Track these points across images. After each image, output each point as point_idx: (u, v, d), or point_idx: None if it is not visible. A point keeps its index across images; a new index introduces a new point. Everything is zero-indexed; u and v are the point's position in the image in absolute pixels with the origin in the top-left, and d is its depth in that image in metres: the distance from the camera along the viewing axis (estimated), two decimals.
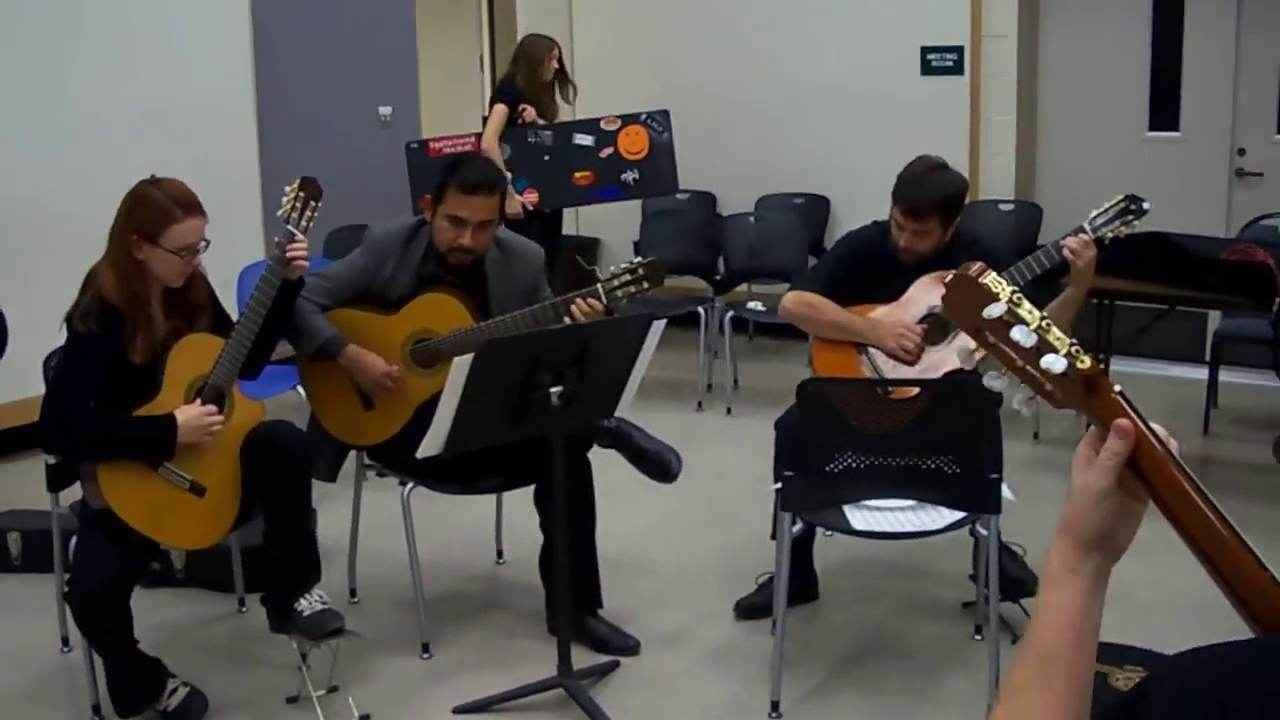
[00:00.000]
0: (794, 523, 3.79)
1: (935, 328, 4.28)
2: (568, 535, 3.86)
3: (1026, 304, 1.41)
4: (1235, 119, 7.58)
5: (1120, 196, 4.31)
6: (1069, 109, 8.00)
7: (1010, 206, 7.70)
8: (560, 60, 7.57)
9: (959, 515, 3.76)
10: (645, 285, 4.10)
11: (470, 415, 3.56)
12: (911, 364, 4.22)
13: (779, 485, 3.78)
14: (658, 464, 4.22)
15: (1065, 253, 4.16)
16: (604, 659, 4.11)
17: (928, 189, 4.29)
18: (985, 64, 7.84)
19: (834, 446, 3.70)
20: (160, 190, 3.65)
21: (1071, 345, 1.38)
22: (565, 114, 7.79)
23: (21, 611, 4.54)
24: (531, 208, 7.20)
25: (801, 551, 4.43)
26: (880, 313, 4.33)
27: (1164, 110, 7.77)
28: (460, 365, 3.47)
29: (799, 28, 8.32)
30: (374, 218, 4.60)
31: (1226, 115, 7.58)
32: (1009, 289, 1.42)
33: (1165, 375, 7.36)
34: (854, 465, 3.68)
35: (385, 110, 8.04)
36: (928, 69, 7.97)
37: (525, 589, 4.53)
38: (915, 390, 3.69)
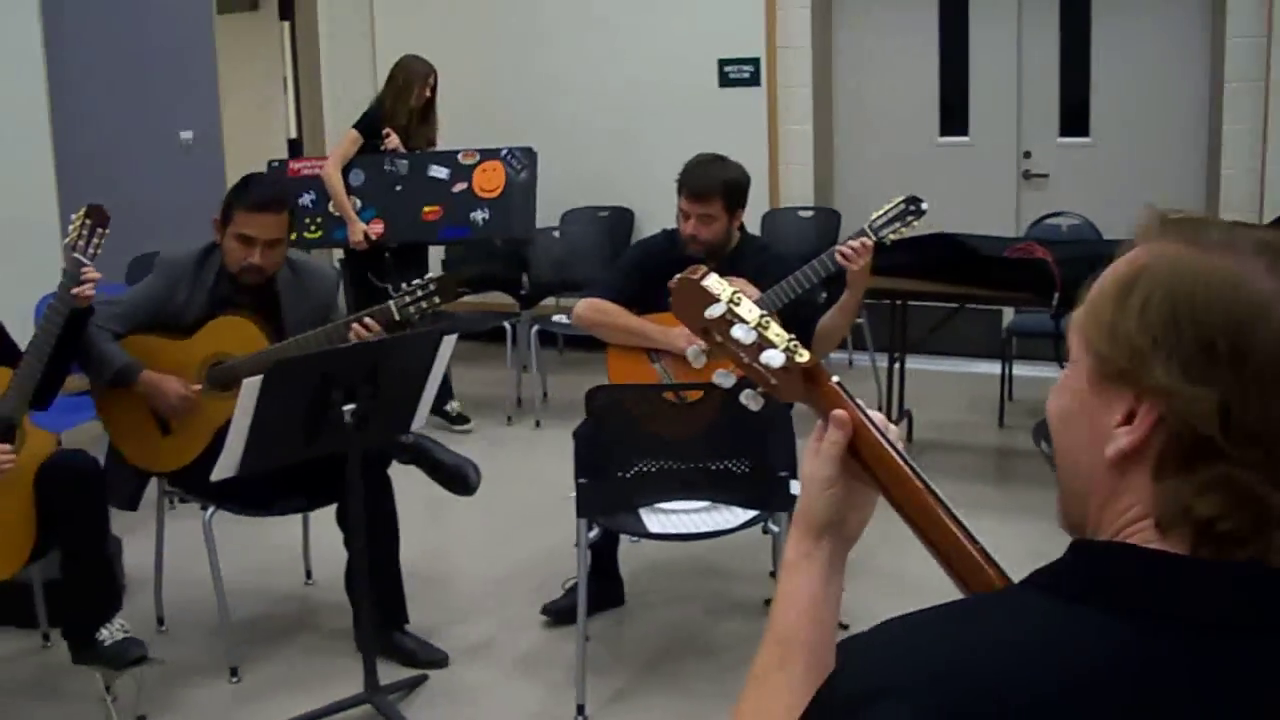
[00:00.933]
0: (590, 528, 3.86)
1: None
2: (370, 551, 3.89)
3: (746, 303, 1.49)
4: (1020, 124, 7.88)
5: (900, 198, 4.46)
6: (863, 117, 8.24)
7: (810, 213, 7.90)
8: (434, 89, 7.08)
9: (752, 514, 3.86)
10: (437, 301, 4.14)
11: (264, 436, 3.57)
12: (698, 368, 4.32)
13: (572, 494, 3.85)
14: (457, 476, 4.27)
15: (839, 258, 4.30)
16: (412, 673, 4.14)
17: (709, 172, 4.47)
18: (781, 75, 8.04)
19: (628, 452, 3.78)
20: None
21: (790, 341, 1.45)
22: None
23: None
24: (375, 239, 6.89)
25: (605, 557, 4.50)
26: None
27: (954, 117, 8.06)
28: (250, 386, 3.48)
29: (599, 43, 8.43)
30: (176, 244, 4.56)
31: (1012, 120, 7.88)
32: (729, 290, 1.50)
33: (963, 371, 7.61)
34: (647, 470, 3.77)
35: (186, 135, 7.93)
36: (725, 81, 8.14)
37: (334, 608, 4.52)
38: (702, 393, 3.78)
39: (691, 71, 8.16)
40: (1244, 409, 1.04)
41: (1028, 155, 7.88)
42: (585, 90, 8.51)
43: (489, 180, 7.07)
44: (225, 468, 3.60)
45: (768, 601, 4.49)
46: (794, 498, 3.69)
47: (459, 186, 7.04)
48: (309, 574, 4.93)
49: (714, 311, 1.48)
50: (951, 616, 1.15)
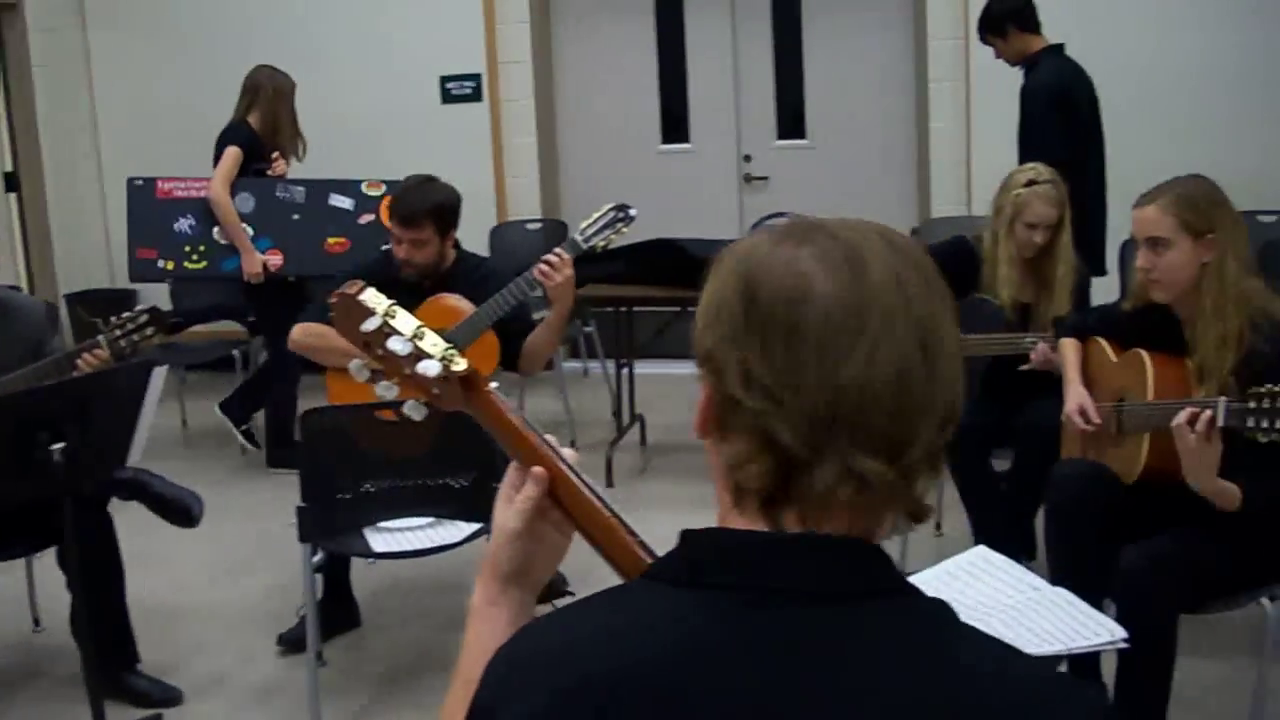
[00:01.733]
0: (314, 552, 3.85)
1: None
2: (93, 592, 3.81)
3: (403, 315, 1.53)
4: (740, 128, 8.11)
5: (609, 206, 4.57)
6: (587, 128, 8.37)
7: (538, 225, 7.99)
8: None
9: (476, 526, 3.90)
10: (149, 332, 4.07)
11: None
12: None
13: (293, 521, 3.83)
14: (178, 509, 4.20)
15: (536, 274, 4.38)
16: (146, 712, 4.06)
17: (418, 197, 4.48)
18: (503, 89, 8.11)
19: (349, 473, 3.79)
20: None
21: (446, 350, 1.49)
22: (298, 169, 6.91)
23: None
24: (274, 270, 6.45)
25: (337, 580, 4.50)
26: None
27: (675, 124, 8.25)
28: None
29: (319, 65, 8.32)
30: None
31: (731, 125, 8.11)
32: (385, 303, 1.54)
33: (691, 374, 7.75)
34: (369, 490, 3.78)
35: None
36: (448, 98, 8.16)
37: (65, 653, 4.40)
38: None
39: (414, 89, 8.16)
40: (760, 365, 1.12)
41: (748, 159, 8.12)
42: (307, 113, 8.40)
43: None
44: None
45: None
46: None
47: (366, 218, 6.61)
48: (37, 621, 4.78)
49: (370, 325, 1.52)
50: (570, 612, 1.22)
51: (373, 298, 1.55)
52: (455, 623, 4.60)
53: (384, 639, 4.54)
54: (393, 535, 3.93)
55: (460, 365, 1.48)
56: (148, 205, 6.58)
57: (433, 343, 1.51)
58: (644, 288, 5.89)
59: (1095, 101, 5.77)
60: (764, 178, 8.10)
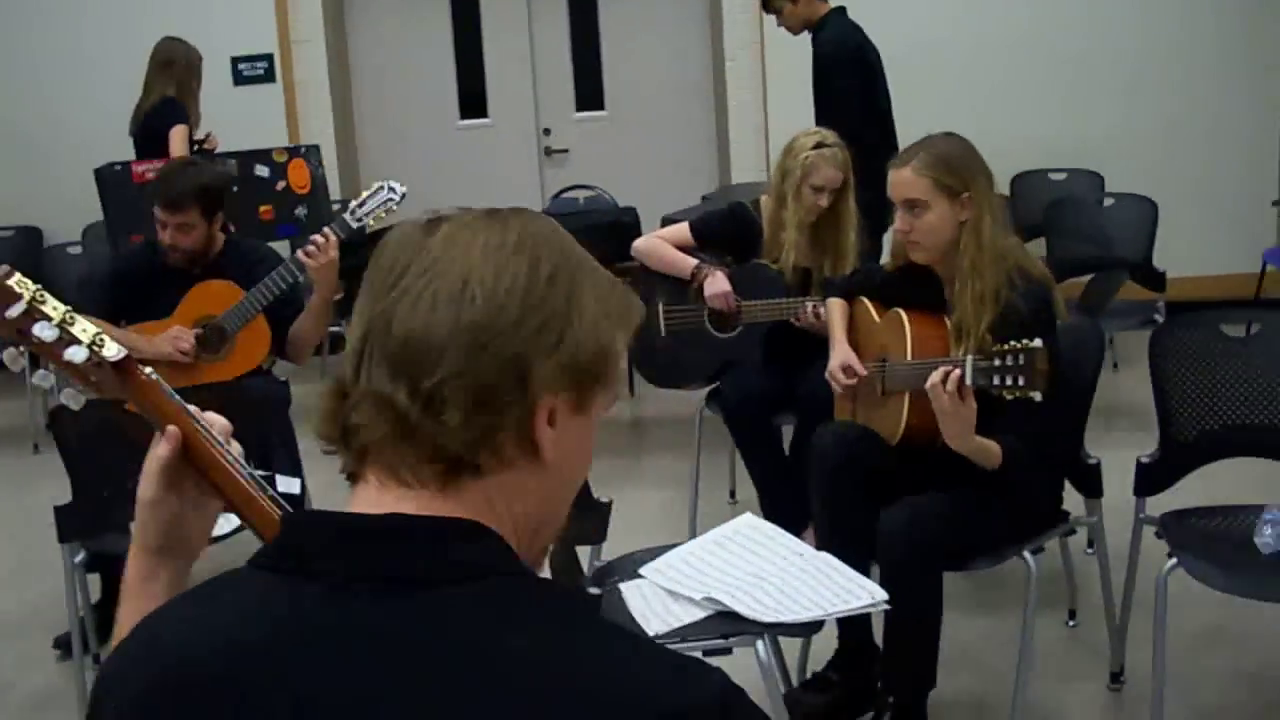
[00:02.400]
0: (77, 553, 3.72)
1: (212, 335, 4.34)
2: None
3: (52, 301, 1.46)
4: (538, 102, 8.06)
5: (378, 184, 4.49)
6: (383, 107, 8.26)
7: (338, 206, 7.81)
8: None
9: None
10: None
11: None
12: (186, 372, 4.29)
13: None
14: None
15: (301, 256, 4.29)
16: None
17: (182, 180, 4.37)
18: (297, 70, 7.94)
19: (111, 469, 3.66)
20: None
21: (96, 335, 1.43)
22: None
23: None
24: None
25: (119, 579, 4.35)
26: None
27: (473, 99, 8.16)
28: None
29: (102, 42, 8.06)
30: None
31: (529, 99, 8.05)
32: (32, 288, 1.46)
33: None
34: (131, 487, 3.65)
35: None
36: (240, 79, 7.97)
37: None
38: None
39: (204, 70, 7.93)
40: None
41: (547, 132, 8.09)
42: (89, 99, 8.15)
43: (299, 177, 6.59)
44: None
45: None
46: (287, 497, 3.68)
47: (280, 184, 6.55)
48: None
49: (14, 311, 1.45)
50: (184, 599, 1.22)
51: (19, 282, 1.48)
52: None
53: None
54: None
55: (112, 351, 1.43)
56: (125, 190, 6.31)
57: (82, 328, 1.45)
58: None
59: (881, 62, 5.83)
60: (564, 150, 8.07)
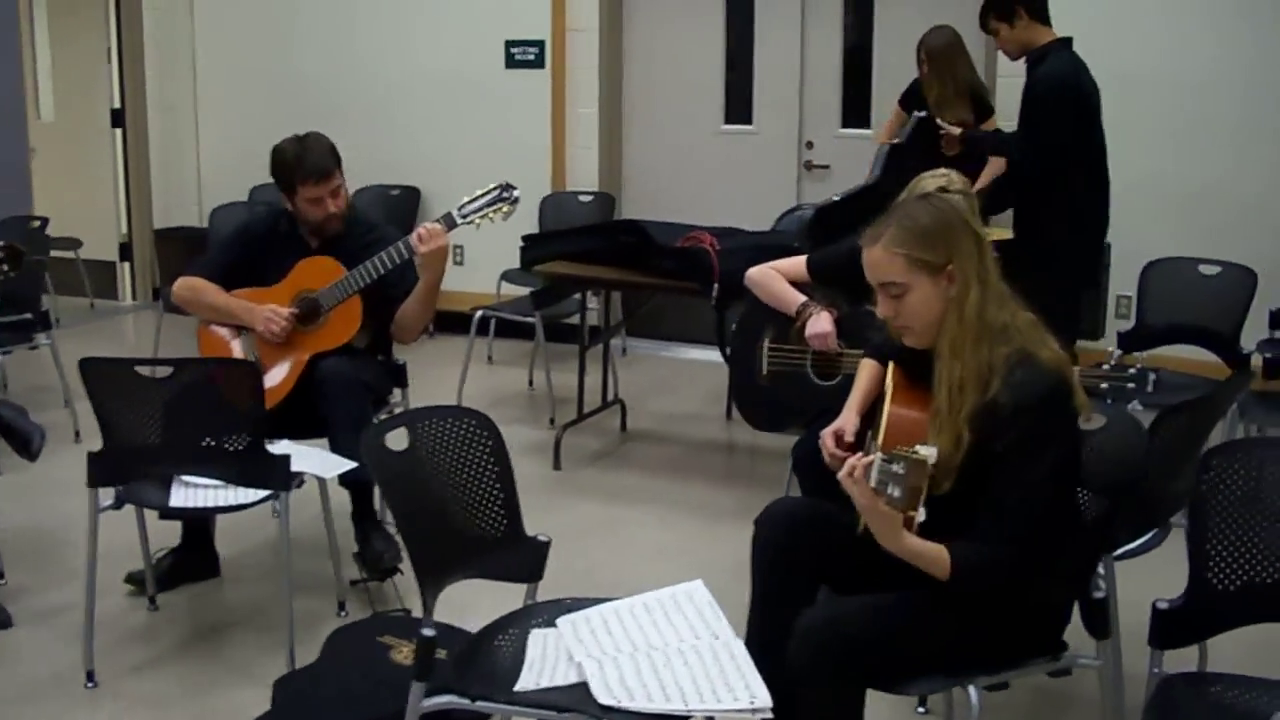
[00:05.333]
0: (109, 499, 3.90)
1: (306, 309, 4.44)
2: None
3: None
4: (803, 114, 7.88)
5: (494, 185, 4.52)
6: (650, 102, 8.25)
7: (590, 198, 7.91)
8: None
9: (264, 493, 3.88)
10: (7, 270, 4.29)
11: None
12: (279, 344, 4.42)
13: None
14: (21, 439, 4.31)
15: (413, 241, 4.35)
16: None
17: (318, 149, 4.53)
18: (569, 58, 8.05)
19: (135, 422, 3.81)
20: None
21: None
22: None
23: None
24: None
25: (198, 529, 4.56)
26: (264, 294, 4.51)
27: (738, 104, 8.06)
28: None
29: (388, 22, 8.46)
30: None
31: (794, 110, 7.88)
32: None
33: (688, 358, 7.73)
34: (155, 441, 3.80)
35: None
36: (511, 62, 8.16)
37: None
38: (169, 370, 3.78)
39: (479, 52, 8.19)
40: None
41: (810, 145, 7.89)
42: (377, 68, 8.57)
43: None
44: None
45: (353, 581, 4.50)
46: (293, 476, 3.75)
47: None
48: None
49: None
50: None
51: None
52: (304, 586, 4.57)
53: (233, 593, 4.58)
54: (192, 491, 3.94)
55: None
56: None
57: None
58: (605, 269, 5.75)
59: (1099, 102, 5.43)
60: (825, 166, 7.86)
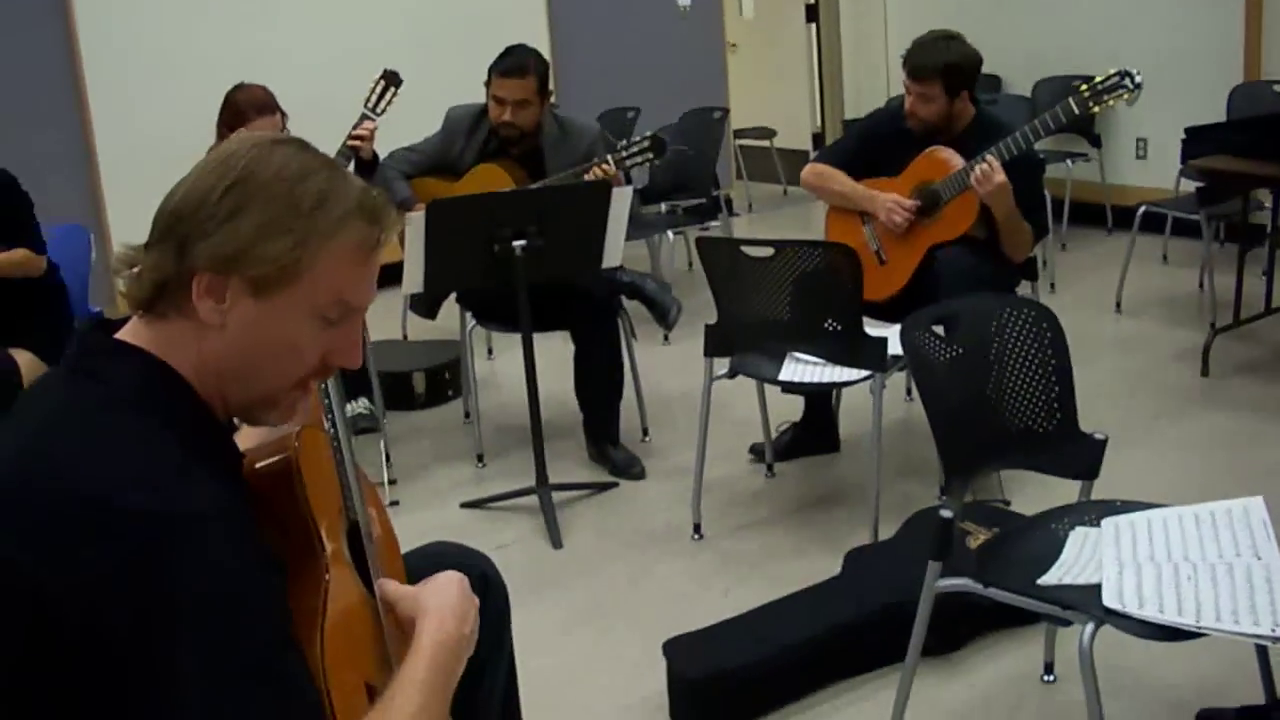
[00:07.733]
0: (723, 368, 4.24)
1: (926, 200, 4.54)
2: (597, 374, 4.85)
3: None
4: None
5: (1114, 70, 4.37)
6: None
7: None
8: None
9: (863, 373, 4.06)
10: (649, 157, 4.68)
11: (442, 262, 4.28)
12: (900, 234, 4.56)
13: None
14: (661, 311, 4.81)
15: (973, 181, 4.37)
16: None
17: (929, 53, 4.54)
18: None
19: (737, 299, 4.13)
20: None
21: None
22: None
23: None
24: None
25: (822, 405, 4.85)
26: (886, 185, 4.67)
27: None
28: (415, 219, 4.19)
29: None
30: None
31: None
32: None
33: None
34: (764, 317, 4.09)
35: (685, 1, 8.60)
36: None
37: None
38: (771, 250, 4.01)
39: None
40: None
41: None
42: None
43: None
44: (411, 284, 4.33)
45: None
46: (891, 358, 3.91)
47: None
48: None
49: None
50: None
51: None
52: (910, 470, 4.73)
53: (847, 467, 4.84)
54: (796, 366, 4.18)
55: None
56: None
57: None
58: (1262, 163, 5.39)
59: None
60: None
